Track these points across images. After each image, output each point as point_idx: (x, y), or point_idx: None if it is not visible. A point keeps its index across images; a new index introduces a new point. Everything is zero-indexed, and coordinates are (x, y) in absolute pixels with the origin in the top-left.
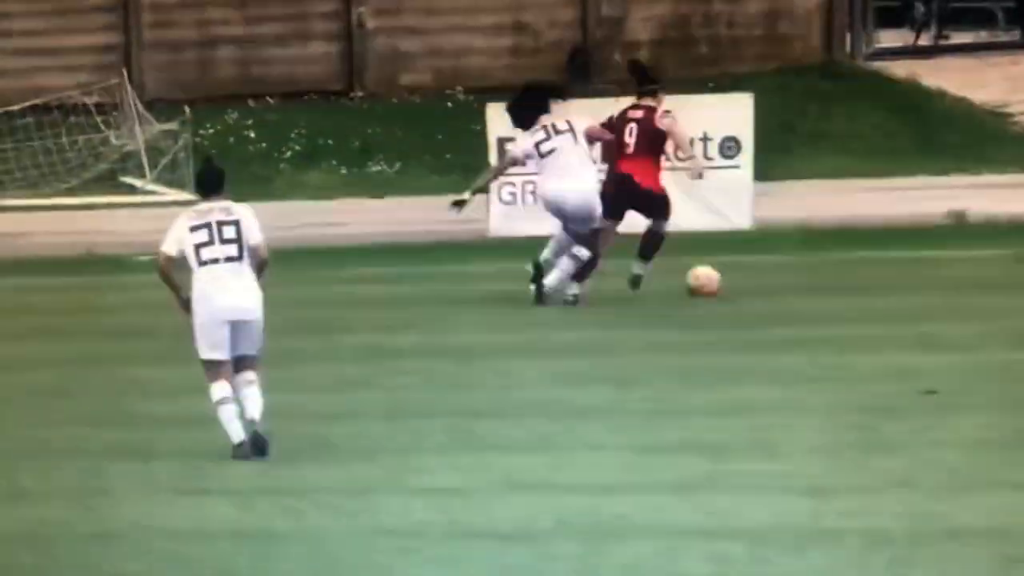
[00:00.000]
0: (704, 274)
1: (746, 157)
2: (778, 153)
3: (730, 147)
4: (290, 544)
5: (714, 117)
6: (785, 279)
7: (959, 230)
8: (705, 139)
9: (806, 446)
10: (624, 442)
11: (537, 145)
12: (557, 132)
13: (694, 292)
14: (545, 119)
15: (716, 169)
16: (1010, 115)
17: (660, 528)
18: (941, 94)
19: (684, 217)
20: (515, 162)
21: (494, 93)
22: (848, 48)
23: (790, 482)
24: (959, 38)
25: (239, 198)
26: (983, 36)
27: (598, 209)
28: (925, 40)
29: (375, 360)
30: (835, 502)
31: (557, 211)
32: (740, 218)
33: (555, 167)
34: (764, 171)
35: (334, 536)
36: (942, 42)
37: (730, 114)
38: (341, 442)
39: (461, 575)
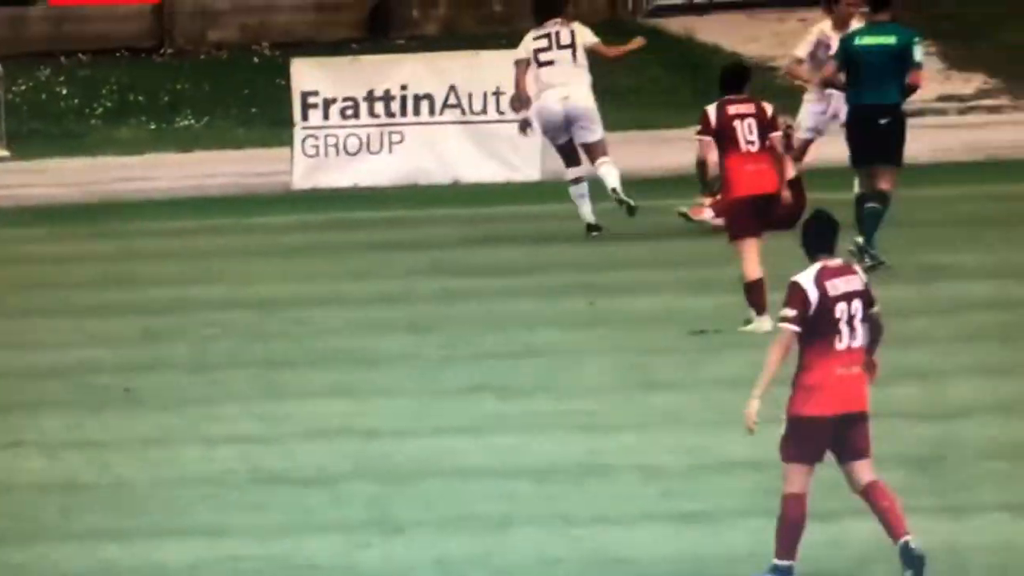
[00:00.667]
0: None
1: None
2: None
3: None
4: (96, 494)
5: (505, 72)
6: (572, 227)
7: None
8: (497, 93)
9: (585, 386)
10: (418, 387)
11: (536, 53)
12: (560, 46)
13: None
14: (551, 25)
15: (506, 123)
16: (775, 69)
17: (451, 469)
18: (716, 49)
19: (476, 169)
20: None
21: (298, 48)
22: (630, 5)
23: (571, 420)
24: None
25: (51, 153)
26: None
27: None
28: None
29: (180, 312)
30: (613, 439)
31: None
32: (530, 170)
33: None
34: None
35: (139, 485)
36: None
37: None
38: (146, 394)
39: (264, 519)
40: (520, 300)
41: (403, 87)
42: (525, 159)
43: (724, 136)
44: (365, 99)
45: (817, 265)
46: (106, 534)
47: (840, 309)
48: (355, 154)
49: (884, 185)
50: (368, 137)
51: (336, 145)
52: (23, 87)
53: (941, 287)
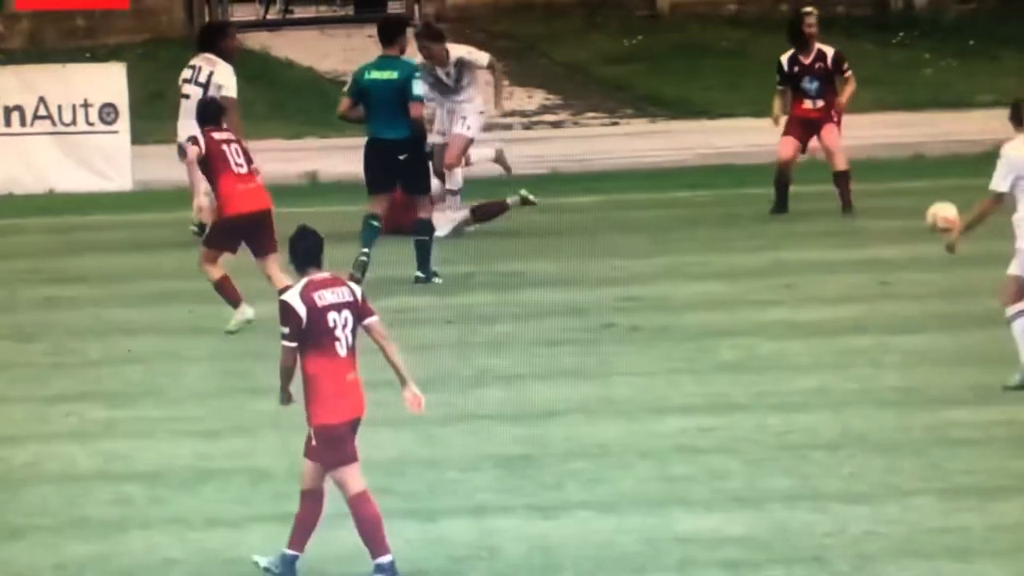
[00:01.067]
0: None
1: (124, 123)
2: (151, 120)
3: (109, 113)
4: None
5: (93, 85)
6: (164, 235)
7: (313, 189)
8: (86, 106)
9: (190, 391)
10: (25, 394)
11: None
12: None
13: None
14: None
15: (96, 134)
16: (347, 83)
17: (63, 474)
18: (290, 63)
19: (65, 178)
20: None
21: None
22: (207, 21)
23: (180, 426)
24: (302, 12)
25: None
26: (323, 11)
27: None
28: (273, 14)
29: None
30: (221, 443)
31: None
32: (122, 179)
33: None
34: (140, 135)
35: None
36: (288, 16)
37: (108, 82)
38: None
39: None
40: (122, 308)
41: None
42: (118, 169)
43: (215, 160)
44: None
45: (304, 280)
46: None
47: (332, 319)
48: None
49: (423, 214)
50: None
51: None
52: None
53: (522, 294)
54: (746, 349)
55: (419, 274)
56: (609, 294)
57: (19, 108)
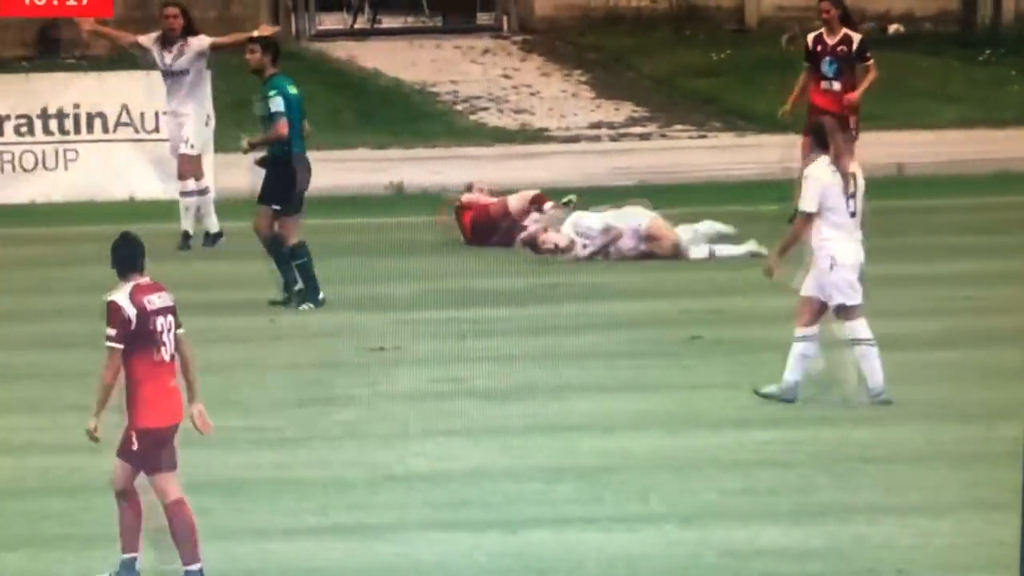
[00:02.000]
0: None
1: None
2: (235, 127)
3: None
4: None
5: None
6: (245, 244)
7: (398, 199)
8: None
9: (271, 401)
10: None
11: None
12: None
13: None
14: None
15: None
16: (436, 94)
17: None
18: (377, 73)
19: (146, 185)
20: None
21: None
22: (293, 30)
23: (259, 435)
24: (390, 22)
25: None
26: (410, 21)
27: None
28: (361, 23)
29: None
30: (300, 453)
31: None
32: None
33: None
34: (224, 143)
35: None
36: (376, 26)
37: None
38: None
39: None
40: (202, 316)
41: (76, 105)
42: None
43: None
44: (39, 117)
45: (130, 284)
46: None
47: (159, 323)
48: (31, 170)
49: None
50: (43, 154)
51: (11, 162)
52: None
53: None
54: (831, 362)
55: None
56: (694, 306)
57: (101, 115)
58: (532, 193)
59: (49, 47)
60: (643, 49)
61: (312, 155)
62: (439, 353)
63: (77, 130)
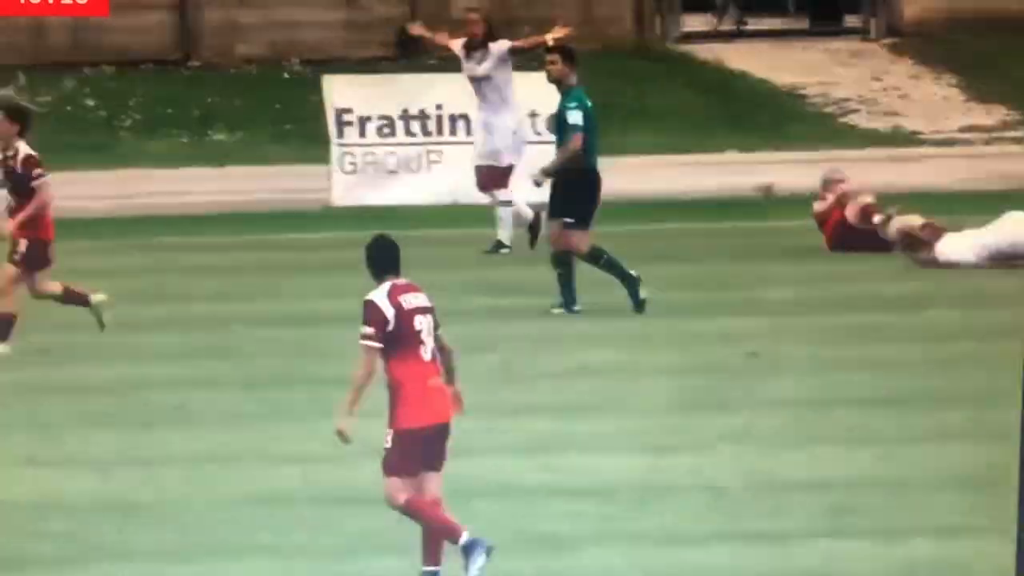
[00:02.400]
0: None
1: None
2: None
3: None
4: (152, 513)
5: (533, 94)
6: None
7: (768, 202)
8: (533, 115)
9: (647, 405)
10: (474, 405)
11: None
12: None
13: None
14: None
15: (543, 144)
16: (805, 96)
17: (513, 488)
18: (744, 75)
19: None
20: None
21: (328, 65)
22: (658, 31)
23: (633, 440)
24: (755, 24)
25: (80, 166)
26: (776, 23)
27: None
28: (726, 25)
29: (222, 328)
30: (676, 458)
31: None
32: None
33: None
34: None
35: (195, 504)
36: (741, 27)
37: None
38: (198, 411)
39: (325, 540)
40: (571, 320)
41: (438, 107)
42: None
43: None
44: (400, 118)
45: (387, 284)
46: (164, 554)
47: (419, 322)
48: (394, 172)
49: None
50: (406, 156)
51: (374, 163)
52: (47, 97)
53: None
54: None
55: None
56: None
57: (464, 116)
58: (865, 201)
59: (408, 48)
60: (1015, 51)
61: (679, 158)
62: (815, 359)
63: (440, 132)
